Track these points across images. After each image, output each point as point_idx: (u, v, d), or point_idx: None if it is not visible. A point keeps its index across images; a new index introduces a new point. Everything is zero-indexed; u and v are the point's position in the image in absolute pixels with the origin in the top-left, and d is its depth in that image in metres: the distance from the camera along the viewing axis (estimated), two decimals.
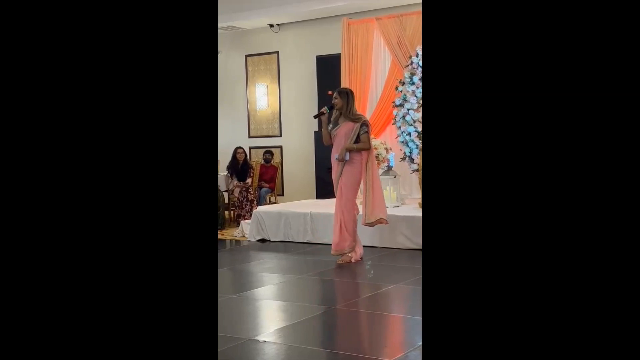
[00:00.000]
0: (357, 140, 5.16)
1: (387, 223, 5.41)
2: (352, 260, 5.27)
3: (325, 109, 5.25)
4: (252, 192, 7.95)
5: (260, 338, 3.27)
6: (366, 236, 5.75)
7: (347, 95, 5.24)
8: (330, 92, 8.12)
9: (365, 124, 5.21)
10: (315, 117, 5.41)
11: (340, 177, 5.20)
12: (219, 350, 2.90)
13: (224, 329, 3.29)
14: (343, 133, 5.18)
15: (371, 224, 5.35)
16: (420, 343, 3.26)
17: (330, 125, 5.28)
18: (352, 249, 5.28)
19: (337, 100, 5.21)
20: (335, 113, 5.26)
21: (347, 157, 5.17)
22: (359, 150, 5.18)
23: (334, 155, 5.24)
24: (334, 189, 5.32)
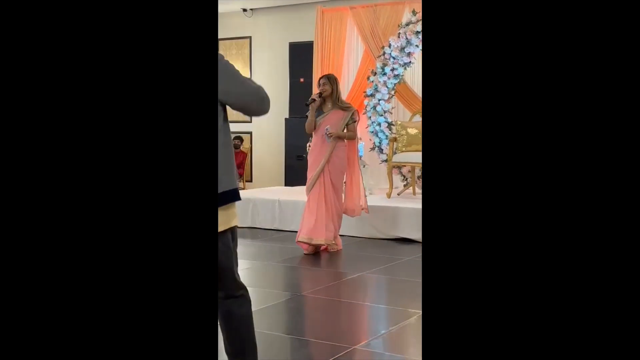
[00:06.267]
0: (345, 129, 5.03)
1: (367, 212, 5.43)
2: (339, 249, 5.24)
3: (316, 96, 5.02)
4: None
5: None
6: None
7: (335, 81, 5.07)
8: (302, 80, 8.11)
9: (355, 113, 5.11)
10: (306, 104, 5.22)
11: (325, 165, 5.00)
12: None
13: None
14: (333, 121, 4.99)
15: (354, 214, 5.33)
16: (384, 331, 3.30)
17: (316, 113, 5.04)
18: (336, 237, 5.21)
19: (326, 87, 4.99)
20: (319, 100, 5.03)
21: (329, 141, 4.98)
22: (347, 139, 5.08)
23: (324, 133, 4.99)
24: (312, 176, 5.06)
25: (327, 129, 4.98)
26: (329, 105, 5.04)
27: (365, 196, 5.43)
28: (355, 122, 5.09)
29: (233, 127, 9.59)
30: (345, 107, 5.06)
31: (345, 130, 5.04)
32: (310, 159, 5.17)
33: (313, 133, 5.10)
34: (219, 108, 2.02)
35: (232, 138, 9.59)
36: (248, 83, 2.06)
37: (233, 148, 2.12)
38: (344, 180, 5.30)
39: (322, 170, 5.04)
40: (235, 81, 2.01)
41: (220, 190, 2.04)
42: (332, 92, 5.01)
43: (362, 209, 5.36)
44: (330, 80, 5.06)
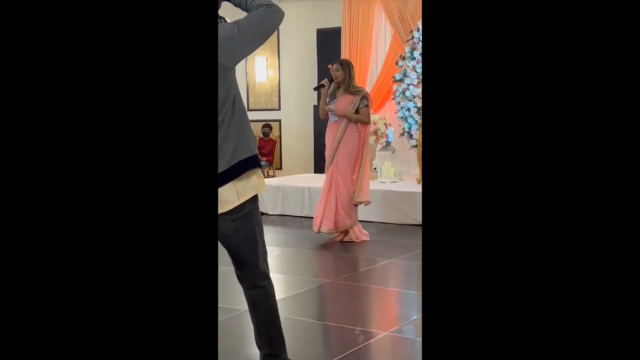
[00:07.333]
0: (356, 113, 4.98)
1: (369, 204, 5.28)
2: (357, 239, 5.10)
3: (326, 81, 5.03)
4: None
5: None
6: (363, 211, 5.76)
7: (349, 67, 5.03)
8: (330, 66, 8.09)
9: (365, 97, 5.02)
10: (315, 89, 5.24)
11: (336, 151, 5.01)
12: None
13: (221, 300, 3.31)
14: (342, 106, 4.97)
15: (356, 204, 5.14)
16: (415, 317, 3.30)
17: (328, 99, 5.06)
18: (353, 225, 5.11)
19: (338, 72, 4.98)
20: (333, 85, 5.04)
21: (334, 119, 4.97)
22: (357, 123, 5.01)
23: (331, 119, 5.02)
24: (327, 163, 5.10)
25: (330, 105, 4.98)
26: (341, 90, 5.03)
27: (367, 185, 5.16)
28: (366, 106, 5.00)
29: (262, 116, 9.57)
30: (355, 92, 5.01)
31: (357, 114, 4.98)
32: (326, 144, 5.17)
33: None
34: (230, 77, 2.03)
35: (262, 126, 9.46)
36: (251, 25, 2.03)
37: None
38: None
39: (333, 157, 5.03)
40: (250, 32, 2.03)
41: (243, 157, 2.05)
42: (344, 78, 4.98)
43: (361, 202, 5.10)
44: (343, 65, 5.03)
